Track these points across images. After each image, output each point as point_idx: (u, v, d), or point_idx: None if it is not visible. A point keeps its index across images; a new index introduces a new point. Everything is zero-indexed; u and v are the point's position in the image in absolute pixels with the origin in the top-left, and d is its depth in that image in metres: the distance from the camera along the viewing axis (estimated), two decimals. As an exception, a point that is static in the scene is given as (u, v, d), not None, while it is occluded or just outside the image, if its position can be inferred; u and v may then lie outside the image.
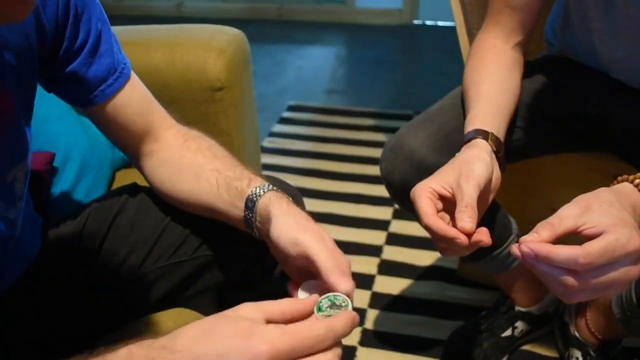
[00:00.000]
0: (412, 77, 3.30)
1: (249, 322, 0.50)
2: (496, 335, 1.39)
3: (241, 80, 1.34)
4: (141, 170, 0.91)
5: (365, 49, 3.68)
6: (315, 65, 3.44)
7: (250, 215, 0.76)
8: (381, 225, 1.95)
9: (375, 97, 2.95)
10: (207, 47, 1.29)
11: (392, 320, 1.56)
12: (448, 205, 0.81)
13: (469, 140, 0.89)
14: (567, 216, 0.65)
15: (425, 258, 1.77)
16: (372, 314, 1.58)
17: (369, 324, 1.55)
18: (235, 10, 4.29)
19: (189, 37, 1.35)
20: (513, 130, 1.11)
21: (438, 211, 0.80)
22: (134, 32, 1.38)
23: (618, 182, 0.73)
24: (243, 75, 1.35)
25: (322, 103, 2.90)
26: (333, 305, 0.60)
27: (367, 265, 1.76)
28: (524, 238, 0.66)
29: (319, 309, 0.59)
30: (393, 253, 1.81)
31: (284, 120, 2.72)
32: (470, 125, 0.92)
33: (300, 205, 0.95)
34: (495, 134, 0.90)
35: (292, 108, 2.83)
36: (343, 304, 0.60)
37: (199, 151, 0.86)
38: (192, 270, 0.91)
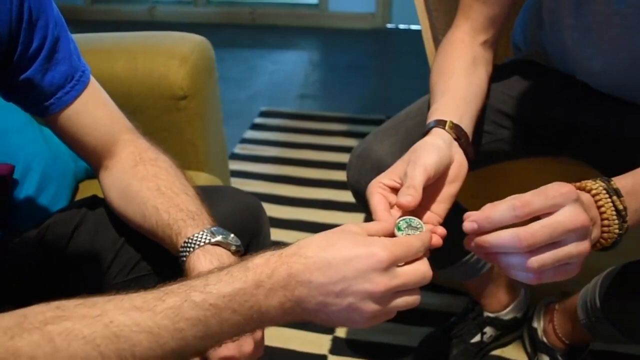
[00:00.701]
0: (385, 81, 3.31)
1: (361, 236, 0.61)
2: (465, 342, 1.39)
3: (205, 89, 1.32)
4: (99, 182, 0.89)
5: (339, 54, 3.68)
6: (288, 70, 3.44)
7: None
8: (352, 231, 1.93)
9: (348, 102, 2.94)
10: (170, 55, 1.26)
11: (363, 328, 1.55)
12: None
13: (427, 132, 0.87)
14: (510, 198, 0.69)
15: (396, 264, 1.76)
16: (342, 322, 1.57)
17: (339, 332, 1.54)
18: (207, 15, 4.27)
19: (151, 44, 1.33)
20: (482, 134, 1.10)
21: (392, 205, 0.77)
22: (95, 40, 1.36)
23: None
24: (207, 84, 1.33)
25: (295, 108, 2.89)
26: (409, 227, 0.68)
27: (338, 272, 1.74)
28: (468, 214, 0.67)
29: (399, 229, 0.68)
30: (364, 259, 1.80)
31: (255, 126, 2.70)
32: (430, 118, 0.90)
33: (256, 217, 0.94)
34: (456, 122, 0.88)
35: (264, 114, 2.82)
36: (418, 226, 0.69)
37: (144, 181, 0.83)
38: (153, 286, 0.89)
